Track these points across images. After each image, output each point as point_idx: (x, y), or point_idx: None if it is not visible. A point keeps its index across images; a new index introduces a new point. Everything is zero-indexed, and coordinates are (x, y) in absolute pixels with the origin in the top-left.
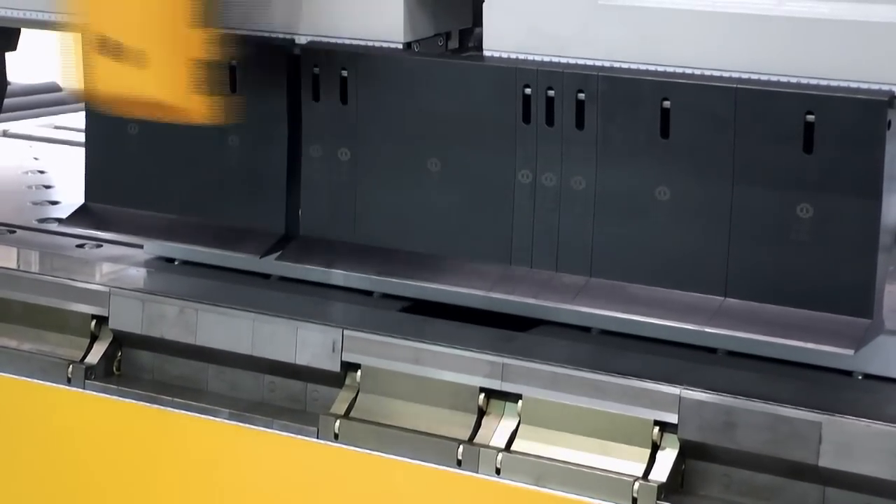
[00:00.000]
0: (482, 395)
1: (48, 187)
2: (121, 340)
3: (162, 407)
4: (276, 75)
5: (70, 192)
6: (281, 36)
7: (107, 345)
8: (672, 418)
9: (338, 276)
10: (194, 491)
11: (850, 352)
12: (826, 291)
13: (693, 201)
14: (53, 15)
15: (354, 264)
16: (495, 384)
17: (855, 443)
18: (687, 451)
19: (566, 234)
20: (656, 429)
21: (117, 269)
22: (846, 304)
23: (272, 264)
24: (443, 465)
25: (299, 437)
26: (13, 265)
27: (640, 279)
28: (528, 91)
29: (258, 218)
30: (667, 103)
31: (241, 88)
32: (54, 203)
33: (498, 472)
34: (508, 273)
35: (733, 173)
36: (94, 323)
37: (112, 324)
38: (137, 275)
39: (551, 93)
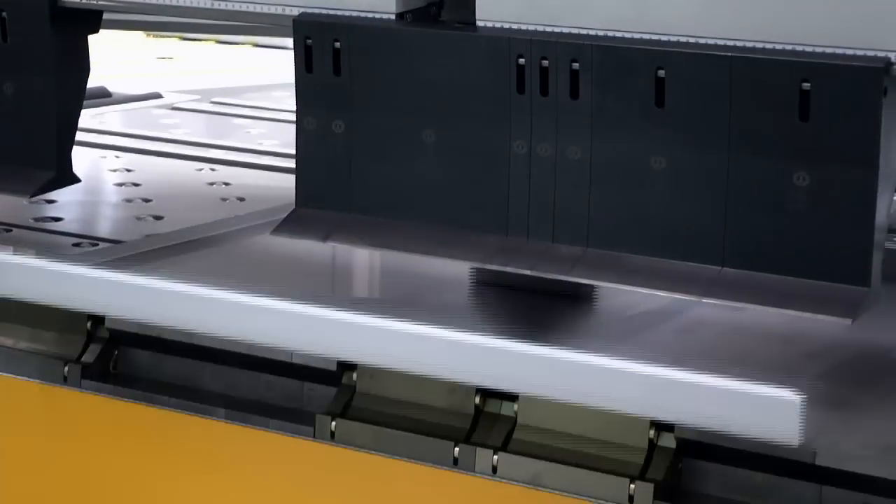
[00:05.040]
0: (479, 395)
1: None
2: (117, 339)
3: (158, 406)
4: (39, 23)
5: (66, 189)
6: None
7: (103, 344)
8: None
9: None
10: (191, 490)
11: (848, 321)
12: (823, 260)
13: (689, 171)
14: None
15: (350, 237)
16: None
17: (852, 442)
18: (684, 450)
19: (562, 205)
20: (653, 428)
21: None
22: (844, 273)
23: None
24: (439, 464)
25: (296, 436)
26: None
27: (637, 249)
28: (521, 61)
29: (31, 161)
30: (661, 72)
31: (10, 39)
32: (51, 202)
33: (494, 471)
34: (505, 244)
35: (729, 142)
36: (90, 322)
37: (108, 322)
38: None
39: (545, 63)
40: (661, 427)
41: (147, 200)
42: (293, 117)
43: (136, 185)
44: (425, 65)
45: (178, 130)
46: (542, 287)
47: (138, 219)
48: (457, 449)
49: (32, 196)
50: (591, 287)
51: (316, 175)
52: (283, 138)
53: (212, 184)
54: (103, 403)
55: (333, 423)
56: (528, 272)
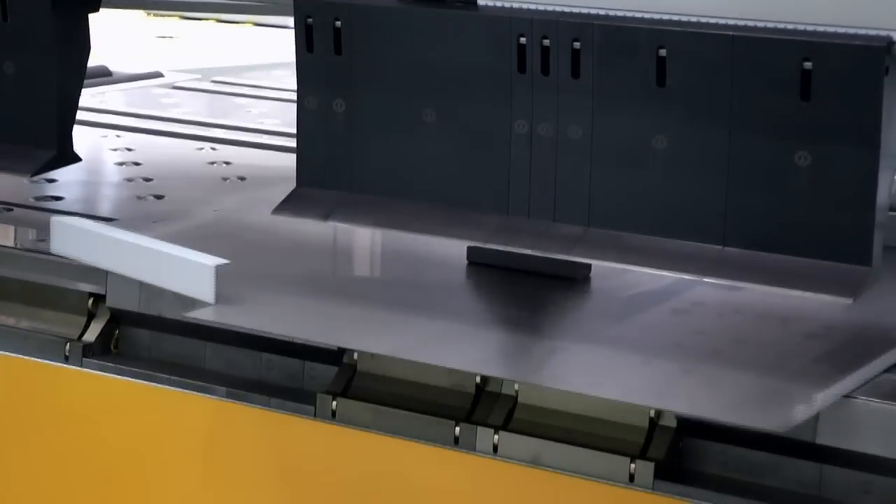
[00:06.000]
0: (479, 374)
1: None
2: (118, 318)
3: (159, 385)
4: (40, 2)
5: (67, 168)
6: None
7: (104, 323)
8: None
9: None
10: (191, 469)
11: (849, 300)
12: (825, 239)
13: (690, 150)
14: None
15: (351, 216)
16: None
17: (852, 421)
18: (684, 429)
19: (563, 184)
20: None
21: None
22: (845, 252)
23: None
24: (440, 443)
25: (296, 415)
26: (10, 243)
27: (638, 228)
28: (523, 41)
29: (32, 140)
30: (663, 52)
31: (11, 18)
32: (51, 181)
33: (495, 450)
34: (506, 223)
35: (731, 121)
36: (91, 301)
37: (109, 302)
38: None
39: (546, 42)
40: None
41: (148, 180)
42: (294, 96)
43: (136, 164)
44: (426, 44)
45: (179, 110)
46: (540, 268)
47: (139, 198)
48: (457, 428)
49: (33, 175)
50: (590, 267)
51: (317, 154)
52: (284, 117)
53: (212, 163)
54: (104, 382)
55: (334, 403)
56: (528, 251)
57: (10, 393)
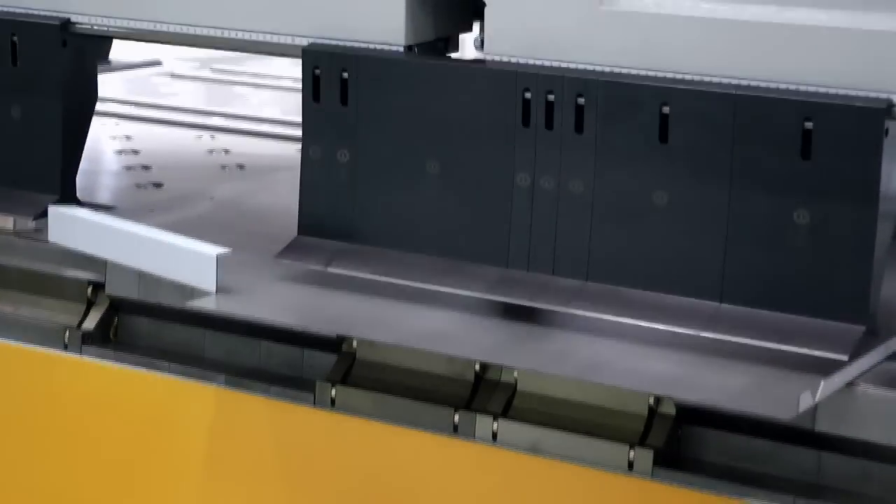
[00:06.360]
0: (479, 362)
1: None
2: (117, 306)
3: (158, 373)
4: (50, 48)
5: None
6: (56, 16)
7: (103, 311)
8: None
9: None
10: (190, 457)
11: (844, 357)
12: (822, 297)
13: (691, 206)
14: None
15: (352, 265)
16: None
17: (851, 408)
18: (683, 417)
19: (564, 238)
20: (653, 395)
21: None
22: (842, 310)
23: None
24: (439, 431)
25: (296, 403)
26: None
27: (637, 283)
28: (528, 95)
29: (36, 184)
30: (666, 109)
31: (21, 62)
32: None
33: (494, 437)
34: (506, 276)
35: (731, 179)
36: (90, 289)
37: (109, 290)
38: None
39: (551, 97)
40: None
41: (147, 168)
42: (294, 85)
43: (135, 152)
44: (432, 97)
45: (178, 98)
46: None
47: (138, 186)
48: (457, 415)
49: (35, 219)
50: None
51: (319, 204)
52: (284, 106)
53: (211, 151)
54: (103, 370)
55: (333, 391)
56: (527, 304)
57: (9, 381)
